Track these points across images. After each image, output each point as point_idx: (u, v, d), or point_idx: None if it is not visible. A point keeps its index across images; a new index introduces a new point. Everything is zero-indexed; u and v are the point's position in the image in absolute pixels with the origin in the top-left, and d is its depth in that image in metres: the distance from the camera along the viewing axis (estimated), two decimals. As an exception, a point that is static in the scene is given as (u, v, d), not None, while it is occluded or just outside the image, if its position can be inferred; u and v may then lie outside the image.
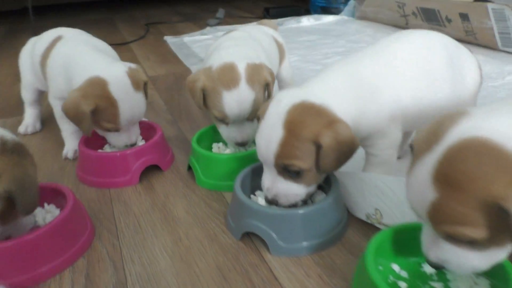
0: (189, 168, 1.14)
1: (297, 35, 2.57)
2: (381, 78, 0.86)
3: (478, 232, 0.52)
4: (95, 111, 1.03)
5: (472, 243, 0.55)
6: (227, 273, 0.79)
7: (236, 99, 1.02)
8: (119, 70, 1.07)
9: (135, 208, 1.01)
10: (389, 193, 0.82)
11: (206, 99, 1.07)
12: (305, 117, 0.79)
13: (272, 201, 0.86)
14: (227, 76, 1.03)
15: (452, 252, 0.58)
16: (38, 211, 0.91)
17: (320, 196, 0.92)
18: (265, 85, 1.06)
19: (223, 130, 1.10)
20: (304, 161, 0.80)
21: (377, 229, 0.87)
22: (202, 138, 1.16)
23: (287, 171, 0.82)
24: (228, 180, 1.04)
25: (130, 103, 1.06)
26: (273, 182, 0.84)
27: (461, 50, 0.96)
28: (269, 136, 0.81)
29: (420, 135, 0.61)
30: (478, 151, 0.51)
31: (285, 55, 1.40)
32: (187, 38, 2.60)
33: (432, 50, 0.91)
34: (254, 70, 1.04)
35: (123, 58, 1.29)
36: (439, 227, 0.55)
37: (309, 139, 0.78)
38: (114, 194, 1.07)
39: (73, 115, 1.03)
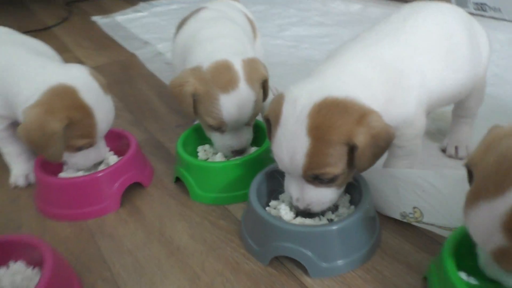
0: (177, 179, 0.98)
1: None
2: (405, 61, 0.76)
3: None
4: (67, 127, 0.82)
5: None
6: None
7: (236, 103, 0.87)
8: (82, 73, 0.87)
9: (126, 241, 0.84)
10: (431, 189, 0.74)
11: (197, 105, 0.90)
12: (332, 118, 0.66)
13: (304, 211, 0.75)
14: (223, 76, 0.87)
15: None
16: (2, 273, 0.72)
17: (345, 197, 0.82)
18: (263, 82, 0.92)
19: (217, 138, 0.94)
20: (337, 166, 0.69)
21: (414, 227, 0.79)
22: (186, 142, 1.00)
23: (319, 179, 0.70)
24: (230, 190, 0.91)
25: (104, 110, 0.88)
26: (303, 192, 0.73)
27: (474, 23, 0.88)
28: (292, 147, 0.68)
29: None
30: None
31: (257, 34, 1.24)
32: (120, 17, 2.30)
33: (451, 26, 0.82)
34: (251, 67, 0.89)
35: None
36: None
37: (341, 142, 0.67)
38: (95, 227, 0.88)
39: (39, 138, 0.81)
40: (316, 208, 0.74)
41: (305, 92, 0.69)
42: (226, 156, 0.98)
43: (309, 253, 0.71)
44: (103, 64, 1.73)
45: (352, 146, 0.67)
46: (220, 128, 0.91)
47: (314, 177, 0.70)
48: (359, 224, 0.73)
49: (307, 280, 0.72)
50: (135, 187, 0.97)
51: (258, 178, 0.83)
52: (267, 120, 0.77)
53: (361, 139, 0.66)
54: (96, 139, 0.89)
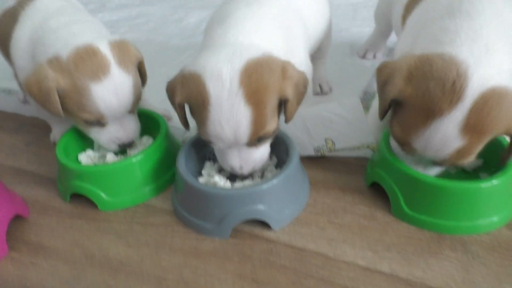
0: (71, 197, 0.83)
1: None
2: (288, 12, 0.81)
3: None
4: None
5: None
6: (257, 276, 0.67)
7: (111, 90, 0.77)
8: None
9: (49, 284, 0.68)
10: (337, 119, 0.83)
11: (65, 102, 0.76)
12: (263, 79, 0.67)
13: (248, 175, 0.76)
14: (90, 63, 0.75)
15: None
16: None
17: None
18: (138, 64, 0.84)
19: (98, 134, 0.83)
20: (274, 122, 0.71)
21: (326, 159, 0.88)
22: (66, 150, 0.85)
23: (259, 140, 0.71)
24: (143, 186, 0.83)
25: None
26: (247, 157, 0.73)
27: None
28: (235, 122, 0.67)
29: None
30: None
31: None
32: None
33: None
34: (121, 49, 0.80)
35: None
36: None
37: (275, 99, 0.69)
38: (-6, 286, 0.68)
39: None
40: (259, 167, 0.76)
41: (224, 62, 0.67)
42: (116, 154, 0.88)
43: (266, 208, 0.72)
44: None
45: (282, 100, 0.70)
46: (98, 121, 0.80)
47: (258, 140, 0.71)
48: (298, 169, 0.78)
49: (269, 234, 0.73)
50: (15, 225, 0.78)
51: (181, 162, 0.78)
52: (182, 106, 0.72)
53: (289, 91, 0.69)
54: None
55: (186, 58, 1.34)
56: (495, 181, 0.67)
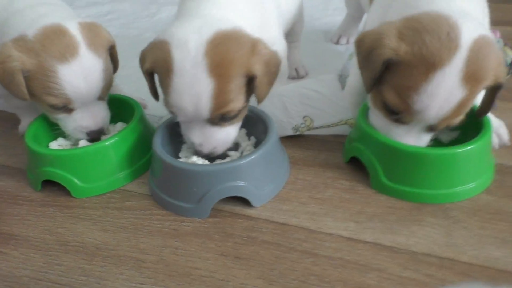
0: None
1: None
2: None
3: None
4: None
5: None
6: (239, 253, 0.65)
7: (79, 72, 0.74)
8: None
9: (20, 272, 0.64)
10: (315, 95, 0.83)
11: (30, 84, 0.73)
12: (229, 52, 0.65)
13: (209, 155, 0.73)
14: (58, 43, 0.72)
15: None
16: None
17: (241, 132, 0.84)
18: (109, 49, 0.81)
19: (66, 121, 0.80)
20: (239, 100, 0.69)
21: (305, 137, 0.87)
22: (36, 139, 0.81)
23: (223, 119, 0.70)
24: (119, 171, 0.80)
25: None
26: (208, 135, 0.71)
27: None
28: (195, 92, 0.65)
29: None
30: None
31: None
32: None
33: None
34: (92, 31, 0.77)
35: None
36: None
37: (241, 75, 0.67)
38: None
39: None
40: (221, 149, 0.73)
41: (192, 32, 0.66)
42: (90, 142, 0.84)
43: (246, 184, 0.71)
44: None
45: (249, 77, 0.68)
46: (65, 106, 0.77)
47: (220, 118, 0.69)
48: (277, 146, 0.77)
49: (250, 211, 0.72)
50: None
51: (157, 143, 0.76)
52: (150, 73, 0.71)
53: (258, 68, 0.67)
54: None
55: (159, 49, 1.32)
56: (471, 147, 0.68)
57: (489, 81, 0.61)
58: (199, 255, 0.65)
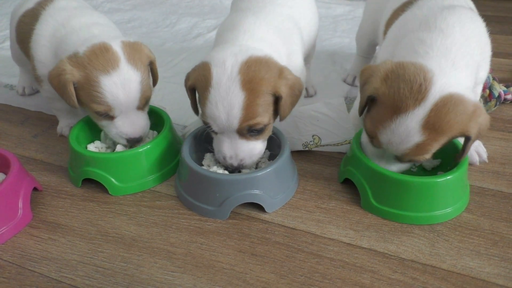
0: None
1: None
2: (289, 21, 0.93)
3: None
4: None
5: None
6: (255, 251, 0.77)
7: (119, 83, 0.85)
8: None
9: (69, 256, 0.76)
10: (323, 117, 0.95)
11: (80, 94, 0.85)
12: (260, 72, 0.78)
13: (237, 168, 0.84)
14: (102, 58, 0.84)
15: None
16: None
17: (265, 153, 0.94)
18: (149, 64, 0.92)
19: (109, 127, 0.91)
20: (266, 116, 0.80)
21: (314, 152, 0.99)
22: (78, 140, 0.93)
23: (250, 132, 0.81)
24: (150, 174, 0.91)
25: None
26: (236, 148, 0.82)
27: None
28: (228, 103, 0.77)
29: None
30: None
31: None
32: None
33: None
34: (133, 48, 0.89)
35: None
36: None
37: (269, 93, 0.79)
38: (19, 258, 0.75)
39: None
40: (248, 162, 0.84)
41: (229, 54, 0.78)
42: (125, 146, 0.96)
43: (261, 193, 0.82)
44: None
45: (276, 97, 0.80)
46: (107, 114, 0.88)
47: (248, 129, 0.80)
48: (289, 161, 0.88)
49: (265, 216, 0.84)
50: (31, 206, 0.86)
51: (185, 151, 0.87)
52: (192, 89, 0.82)
53: (283, 89, 0.79)
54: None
55: (181, 61, 1.43)
56: (449, 177, 0.78)
57: (453, 133, 0.71)
58: (221, 251, 0.77)
